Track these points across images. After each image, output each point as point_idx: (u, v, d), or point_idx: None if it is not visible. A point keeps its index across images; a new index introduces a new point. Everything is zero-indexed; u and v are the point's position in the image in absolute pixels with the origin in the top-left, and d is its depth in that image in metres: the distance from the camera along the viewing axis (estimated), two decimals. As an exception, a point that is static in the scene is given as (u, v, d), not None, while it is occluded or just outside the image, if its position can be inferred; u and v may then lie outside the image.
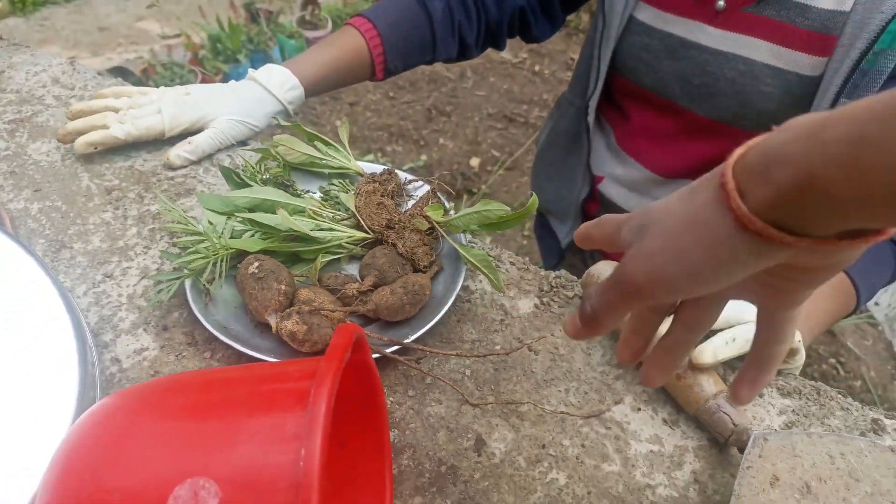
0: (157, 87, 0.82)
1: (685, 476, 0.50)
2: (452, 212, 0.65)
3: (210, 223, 0.63)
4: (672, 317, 0.36)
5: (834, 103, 0.69)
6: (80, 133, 0.77)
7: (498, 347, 0.59)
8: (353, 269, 0.66)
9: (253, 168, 0.71)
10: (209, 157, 0.80)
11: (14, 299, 0.53)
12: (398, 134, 2.80)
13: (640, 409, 0.55)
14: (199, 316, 0.57)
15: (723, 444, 0.52)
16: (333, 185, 0.72)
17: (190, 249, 0.61)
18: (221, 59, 2.88)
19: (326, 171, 0.74)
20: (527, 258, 0.69)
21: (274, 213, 0.63)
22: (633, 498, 0.49)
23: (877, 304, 2.28)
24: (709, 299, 0.34)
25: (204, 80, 2.65)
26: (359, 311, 0.59)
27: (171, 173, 0.78)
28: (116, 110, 0.79)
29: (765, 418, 0.54)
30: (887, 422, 0.53)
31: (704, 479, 0.50)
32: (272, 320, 0.56)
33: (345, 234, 0.65)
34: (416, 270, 0.63)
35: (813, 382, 0.56)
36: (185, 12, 3.35)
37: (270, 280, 0.57)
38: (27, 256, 0.54)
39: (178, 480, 0.34)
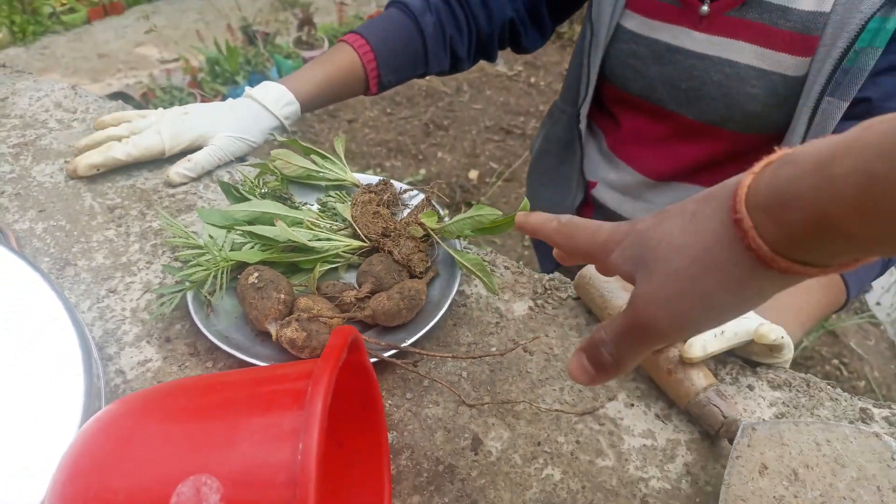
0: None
1: (678, 468, 0.51)
2: (447, 219, 0.67)
3: (210, 237, 0.65)
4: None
5: (818, 102, 0.70)
6: (94, 166, 0.79)
7: (493, 349, 0.61)
8: (350, 277, 0.68)
9: (252, 182, 0.73)
10: (208, 173, 0.82)
11: (15, 304, 0.54)
12: (396, 149, 2.83)
13: (633, 405, 0.56)
14: (200, 327, 0.59)
15: (714, 437, 0.53)
16: (330, 196, 0.74)
17: (191, 263, 0.63)
18: (220, 81, 2.92)
19: (323, 183, 0.75)
20: (521, 262, 0.71)
21: (273, 225, 0.64)
22: (627, 491, 0.50)
23: (878, 303, 2.28)
24: None
25: (203, 102, 2.68)
26: (357, 318, 0.60)
27: (171, 190, 0.80)
28: (119, 139, 0.81)
29: (756, 410, 0.55)
30: (875, 410, 0.54)
31: (696, 471, 0.51)
32: (272, 328, 0.57)
33: (342, 243, 0.67)
34: (412, 276, 0.64)
35: (803, 375, 0.57)
36: (182, 37, 3.40)
37: (270, 290, 0.59)
38: (33, 272, 0.56)
39: (181, 478, 0.35)
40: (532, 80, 3.38)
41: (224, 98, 2.79)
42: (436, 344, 0.62)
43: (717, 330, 0.53)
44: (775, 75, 0.74)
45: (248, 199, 0.70)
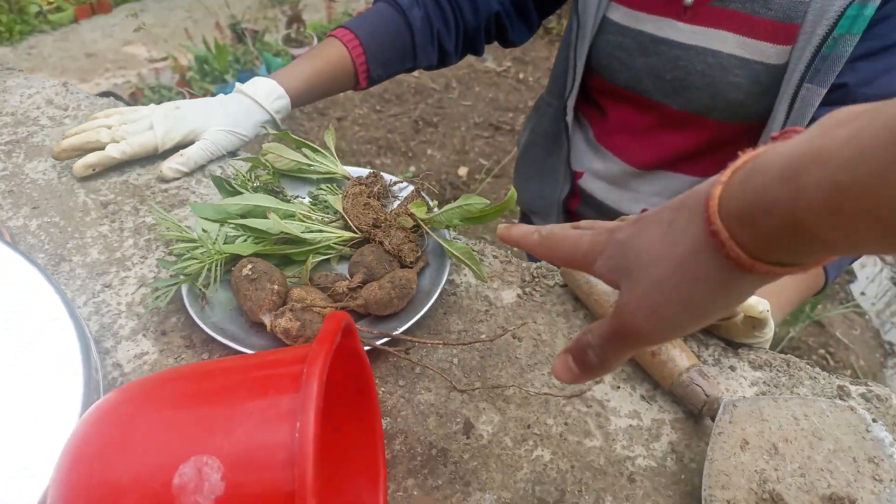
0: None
1: (663, 447, 0.53)
2: (436, 209, 0.68)
3: (204, 231, 0.66)
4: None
5: (797, 89, 0.72)
6: (75, 148, 0.80)
7: (483, 336, 0.62)
8: (342, 268, 0.69)
9: (244, 176, 0.74)
10: (201, 168, 0.83)
11: (15, 303, 0.55)
12: (386, 146, 2.84)
13: (619, 388, 0.57)
14: (196, 319, 0.60)
15: (697, 415, 0.54)
16: (322, 189, 0.75)
17: (185, 256, 0.64)
18: (209, 79, 2.92)
19: (314, 176, 0.76)
20: (509, 252, 0.72)
21: (265, 218, 0.65)
22: (615, 469, 0.51)
23: (863, 293, 2.32)
24: None
25: (193, 101, 2.68)
26: (349, 307, 0.61)
27: (164, 186, 0.81)
28: (109, 127, 0.81)
29: (737, 390, 0.56)
30: (852, 387, 0.56)
31: (681, 449, 0.53)
32: (266, 319, 0.59)
33: (334, 234, 0.68)
34: (402, 266, 0.65)
35: (783, 355, 0.59)
36: (171, 35, 3.39)
37: (264, 281, 0.60)
38: (29, 266, 0.57)
39: (182, 460, 0.36)
40: (521, 75, 3.40)
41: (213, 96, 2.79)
42: (427, 332, 0.63)
43: None
44: (758, 64, 0.75)
45: (240, 193, 0.71)
